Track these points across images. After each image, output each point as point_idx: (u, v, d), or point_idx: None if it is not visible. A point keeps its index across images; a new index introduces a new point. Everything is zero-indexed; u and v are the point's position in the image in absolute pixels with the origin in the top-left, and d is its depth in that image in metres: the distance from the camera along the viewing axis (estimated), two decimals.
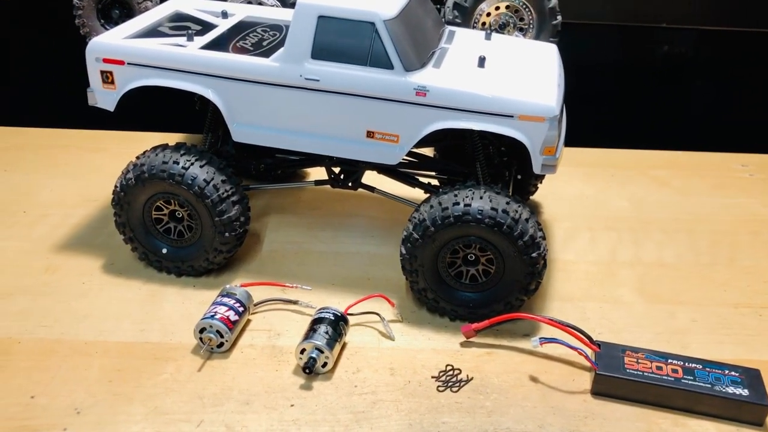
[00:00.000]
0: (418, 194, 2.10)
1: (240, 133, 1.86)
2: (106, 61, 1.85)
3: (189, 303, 1.88)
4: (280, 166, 2.20)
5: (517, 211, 1.71)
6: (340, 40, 1.72)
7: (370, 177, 2.09)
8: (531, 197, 2.34)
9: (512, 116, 1.70)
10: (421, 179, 2.12)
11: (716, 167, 2.72)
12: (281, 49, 1.78)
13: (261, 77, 1.78)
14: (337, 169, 2.09)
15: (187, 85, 1.83)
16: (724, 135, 3.07)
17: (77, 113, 2.18)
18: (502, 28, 2.51)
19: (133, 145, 2.27)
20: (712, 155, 2.80)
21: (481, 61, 1.79)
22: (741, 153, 2.81)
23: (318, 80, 1.75)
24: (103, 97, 1.90)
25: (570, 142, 2.65)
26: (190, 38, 1.90)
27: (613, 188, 2.53)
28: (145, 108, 2.11)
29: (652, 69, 3.59)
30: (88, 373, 1.65)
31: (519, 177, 2.20)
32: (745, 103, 3.42)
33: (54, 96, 2.96)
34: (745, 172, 2.69)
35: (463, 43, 1.93)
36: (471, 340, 1.78)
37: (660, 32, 3.59)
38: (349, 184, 2.08)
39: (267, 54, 1.84)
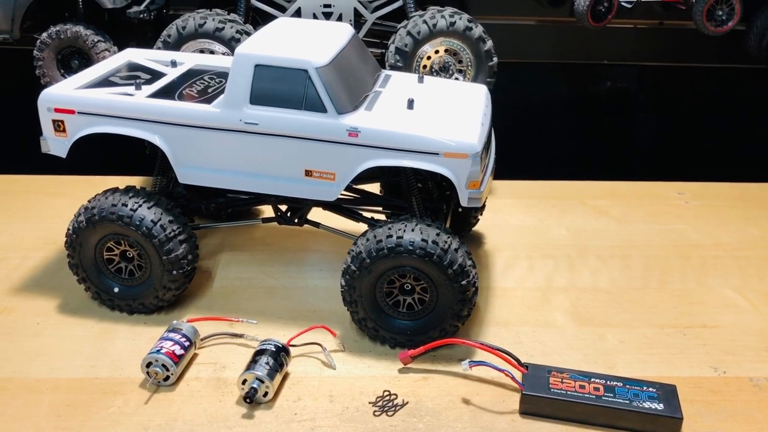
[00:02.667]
0: (363, 229, 2.20)
1: (185, 176, 1.96)
2: (57, 110, 1.95)
3: (140, 339, 1.95)
4: (230, 206, 2.29)
5: (446, 242, 1.82)
6: (276, 86, 1.84)
7: (317, 214, 2.20)
8: (473, 228, 2.45)
9: (437, 153, 1.82)
10: (365, 214, 2.23)
11: (654, 196, 2.86)
12: (222, 96, 1.89)
13: (203, 122, 1.89)
14: (284, 207, 2.20)
15: (134, 132, 1.93)
16: (663, 165, 3.22)
17: (37, 159, 2.27)
18: (443, 70, 2.65)
19: (92, 189, 2.34)
20: (651, 184, 2.94)
21: (410, 103, 1.92)
22: (678, 181, 2.95)
23: (257, 124, 1.86)
24: (56, 145, 2.00)
25: (513, 175, 2.81)
26: (138, 87, 2.01)
27: (554, 218, 2.65)
28: (105, 152, 2.20)
29: (593, 104, 3.77)
30: (37, 410, 1.71)
31: (459, 210, 2.31)
32: (683, 134, 3.58)
33: (14, 143, 3.05)
34: (681, 199, 2.83)
35: (396, 87, 2.06)
36: (408, 366, 1.87)
37: (601, 69, 3.79)
38: (295, 220, 2.18)
39: (211, 100, 1.95)
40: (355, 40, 2.07)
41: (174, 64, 2.24)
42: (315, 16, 2.89)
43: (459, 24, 2.61)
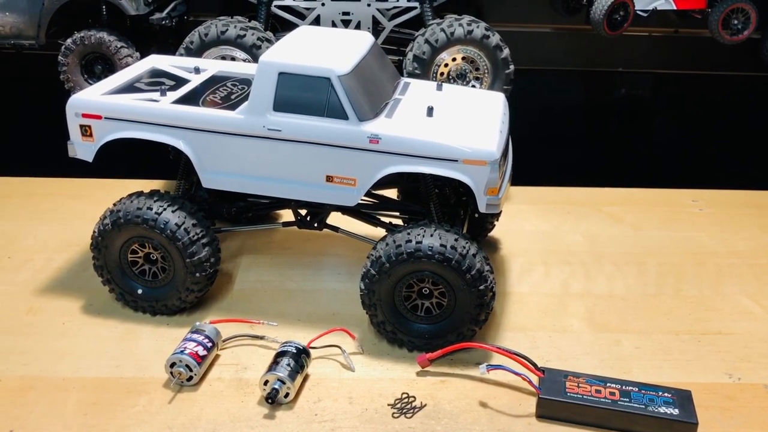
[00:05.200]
0: (381, 233, 2.23)
1: (209, 180, 2.01)
2: (84, 116, 2.00)
3: (163, 340, 1.99)
4: (251, 210, 2.33)
5: (464, 247, 1.85)
6: (299, 93, 1.88)
7: (336, 218, 2.24)
8: (489, 234, 2.48)
9: (457, 160, 1.85)
10: (383, 219, 2.26)
11: (668, 203, 2.87)
12: (246, 103, 1.94)
13: (227, 128, 1.93)
14: (303, 211, 2.23)
15: (159, 137, 1.98)
16: (677, 172, 3.24)
17: (62, 163, 2.32)
18: (460, 77, 2.68)
19: (115, 192, 2.39)
20: (665, 191, 2.95)
21: (430, 111, 1.95)
22: (692, 189, 2.96)
23: (280, 130, 1.90)
24: (83, 149, 2.05)
25: (529, 181, 2.83)
26: (163, 93, 2.06)
27: (569, 224, 2.67)
28: (127, 156, 2.25)
29: (608, 111, 3.80)
30: (64, 407, 1.76)
31: (476, 215, 2.34)
32: (697, 141, 3.60)
33: (40, 146, 3.11)
34: (695, 206, 2.84)
35: (415, 94, 2.10)
36: (426, 369, 1.90)
37: (616, 76, 3.81)
38: (315, 225, 2.21)
39: (234, 107, 1.99)
40: (376, 48, 2.10)
41: (197, 70, 2.28)
42: (334, 24, 2.93)
43: (476, 32, 2.64)
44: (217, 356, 1.93)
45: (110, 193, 2.59)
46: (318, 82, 1.86)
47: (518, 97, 2.72)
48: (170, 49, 2.96)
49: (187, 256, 1.97)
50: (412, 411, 1.76)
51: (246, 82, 2.20)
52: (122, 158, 2.23)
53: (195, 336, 1.87)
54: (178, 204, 2.00)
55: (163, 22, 2.96)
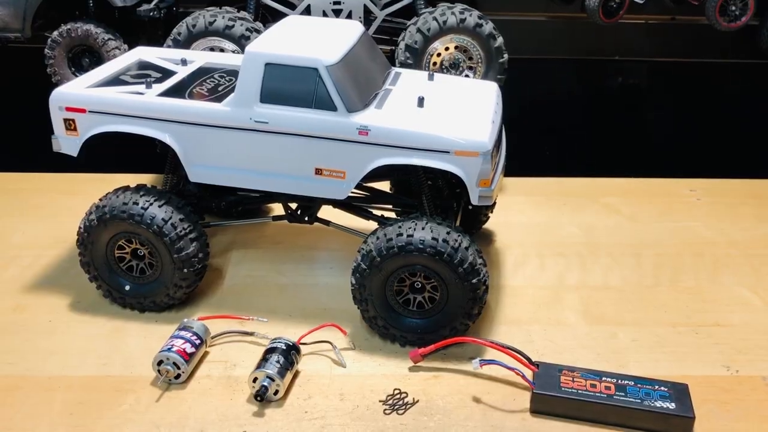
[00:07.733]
0: (373, 227, 2.19)
1: (196, 174, 1.97)
2: (68, 109, 1.96)
3: (151, 337, 1.96)
4: (241, 203, 2.30)
5: (456, 240, 1.82)
6: (286, 84, 1.84)
7: (327, 212, 2.20)
8: (483, 226, 2.45)
9: (448, 152, 1.81)
10: (375, 212, 2.23)
11: (666, 193, 2.84)
12: (232, 94, 1.90)
13: (213, 121, 1.89)
14: (294, 205, 2.20)
15: (145, 130, 1.94)
16: (674, 161, 3.21)
17: (49, 157, 2.28)
18: (453, 67, 2.64)
19: (103, 187, 2.34)
20: (663, 181, 2.92)
21: (421, 101, 1.91)
22: (690, 178, 2.92)
23: (267, 122, 1.86)
24: (67, 144, 2.01)
25: (524, 172, 2.80)
26: (149, 86, 2.02)
27: (565, 216, 2.64)
28: (117, 150, 2.21)
29: (604, 100, 3.76)
30: (50, 408, 1.72)
31: (470, 208, 2.30)
32: (694, 130, 3.56)
33: (27, 141, 3.07)
34: (692, 196, 2.81)
35: (406, 84, 2.05)
36: (419, 364, 1.87)
37: (612, 65, 3.78)
38: (305, 218, 2.18)
39: (221, 99, 1.95)
40: (365, 37, 2.06)
41: (184, 62, 2.24)
42: (324, 14, 2.89)
43: (469, 21, 2.60)
44: (206, 353, 1.89)
45: (98, 188, 2.54)
46: (305, 72, 1.82)
47: (512, 87, 2.69)
48: (159, 41, 2.92)
49: (175, 252, 1.93)
50: (404, 407, 1.73)
51: (233, 73, 2.16)
52: (113, 152, 2.19)
53: (183, 333, 1.84)
54: (165, 199, 1.96)
55: (151, 14, 2.92)
